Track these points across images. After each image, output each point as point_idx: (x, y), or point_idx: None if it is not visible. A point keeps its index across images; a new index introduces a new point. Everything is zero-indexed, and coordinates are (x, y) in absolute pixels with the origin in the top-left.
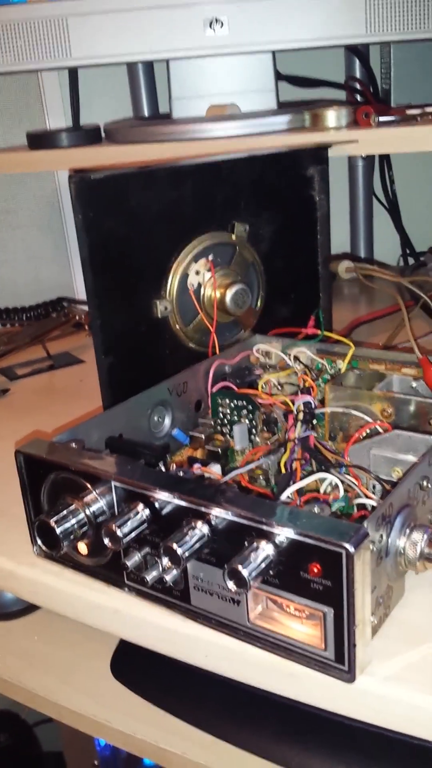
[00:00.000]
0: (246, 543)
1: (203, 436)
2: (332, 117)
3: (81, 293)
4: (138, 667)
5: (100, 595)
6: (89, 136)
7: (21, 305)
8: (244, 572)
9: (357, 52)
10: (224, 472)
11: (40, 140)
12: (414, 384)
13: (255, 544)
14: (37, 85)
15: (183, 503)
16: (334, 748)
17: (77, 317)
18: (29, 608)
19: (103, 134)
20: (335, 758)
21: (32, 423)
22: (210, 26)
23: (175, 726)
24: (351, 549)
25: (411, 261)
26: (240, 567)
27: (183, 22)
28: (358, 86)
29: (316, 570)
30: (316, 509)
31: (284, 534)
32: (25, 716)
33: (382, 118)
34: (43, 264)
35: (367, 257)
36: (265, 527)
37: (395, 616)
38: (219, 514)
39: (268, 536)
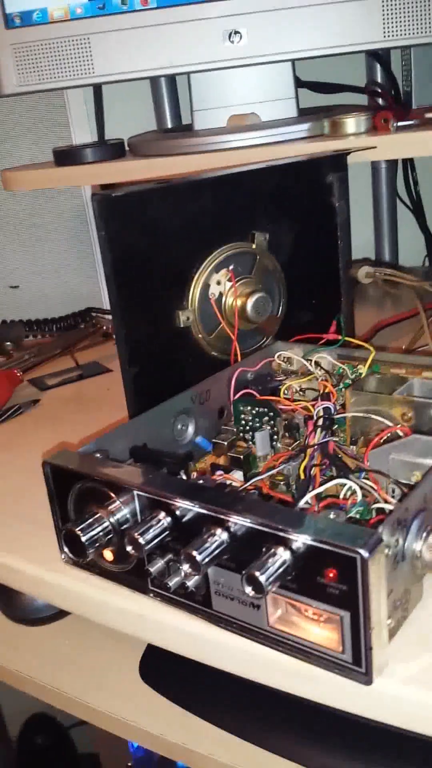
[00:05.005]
0: (264, 549)
1: (226, 443)
2: (351, 124)
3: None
4: (165, 670)
5: (126, 600)
6: (113, 150)
7: (51, 316)
8: (261, 578)
9: (377, 56)
10: (246, 479)
11: (66, 156)
12: None
13: (272, 550)
14: (63, 102)
15: (202, 511)
16: (355, 749)
17: (105, 327)
18: (60, 613)
19: (127, 148)
20: (356, 759)
21: (61, 433)
22: (229, 38)
23: (202, 728)
24: (365, 554)
25: None
26: (257, 573)
27: (202, 36)
28: (378, 90)
29: (332, 575)
30: (332, 515)
31: (300, 540)
32: (60, 719)
33: (400, 123)
34: (71, 275)
35: (391, 260)
36: (281, 534)
37: (414, 619)
38: (237, 521)
39: (285, 542)
